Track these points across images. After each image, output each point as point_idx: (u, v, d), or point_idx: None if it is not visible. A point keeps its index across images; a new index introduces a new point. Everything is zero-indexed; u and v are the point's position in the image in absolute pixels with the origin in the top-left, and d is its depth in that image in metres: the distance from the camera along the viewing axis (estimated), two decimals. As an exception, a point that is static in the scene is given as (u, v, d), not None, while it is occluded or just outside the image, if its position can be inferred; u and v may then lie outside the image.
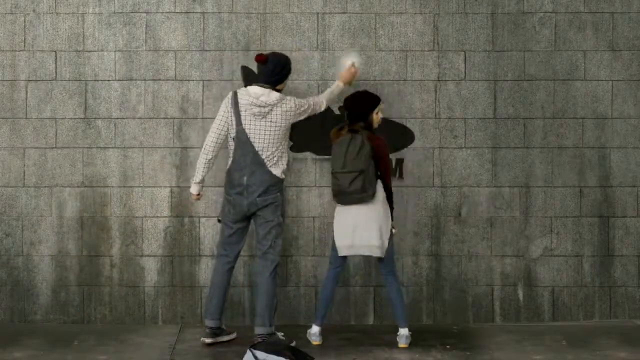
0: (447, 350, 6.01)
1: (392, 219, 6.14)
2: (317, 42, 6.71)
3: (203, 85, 6.69)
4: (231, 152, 6.07)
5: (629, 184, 6.78)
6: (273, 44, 6.68)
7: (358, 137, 6.02)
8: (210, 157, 6.09)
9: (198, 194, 6.24)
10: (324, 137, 6.60)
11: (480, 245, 6.75)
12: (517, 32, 6.74)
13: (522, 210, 6.76)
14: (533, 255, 6.77)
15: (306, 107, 6.16)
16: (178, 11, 6.69)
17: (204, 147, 6.10)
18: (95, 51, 6.68)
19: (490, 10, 6.73)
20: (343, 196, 6.03)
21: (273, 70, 6.05)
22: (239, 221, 6.11)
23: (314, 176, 6.71)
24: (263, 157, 5.99)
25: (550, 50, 6.75)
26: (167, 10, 6.68)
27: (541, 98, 6.75)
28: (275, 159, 6.01)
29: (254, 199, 6.00)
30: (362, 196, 5.99)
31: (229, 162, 6.08)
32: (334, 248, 6.19)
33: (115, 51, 6.68)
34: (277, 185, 6.04)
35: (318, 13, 6.71)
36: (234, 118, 6.01)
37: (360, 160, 5.98)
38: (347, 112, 6.19)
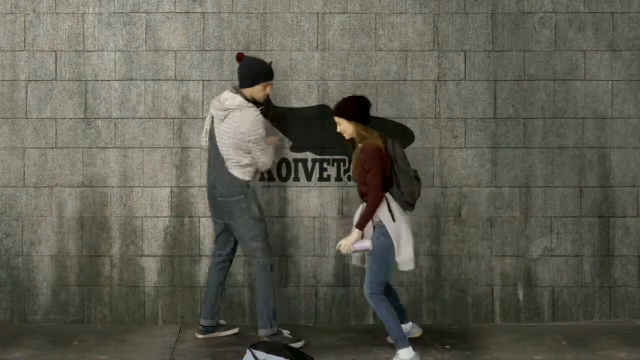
0: (447, 350, 6.02)
1: None
2: (317, 42, 6.71)
3: (203, 85, 6.69)
4: None
5: (629, 184, 6.78)
6: (273, 44, 6.68)
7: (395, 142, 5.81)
8: None
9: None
10: (324, 137, 6.61)
11: (480, 245, 6.75)
12: (517, 32, 6.74)
13: (522, 210, 6.76)
14: (533, 255, 6.77)
15: (259, 148, 5.96)
16: (178, 11, 6.69)
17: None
18: (95, 51, 6.68)
19: (490, 10, 6.73)
20: (414, 203, 5.75)
21: (249, 71, 6.00)
22: (220, 218, 6.17)
23: (314, 176, 6.71)
24: (224, 157, 6.02)
25: (550, 50, 6.74)
26: (167, 10, 6.68)
27: (541, 98, 6.75)
28: (234, 161, 5.99)
29: (217, 198, 6.08)
30: None
31: None
32: (387, 268, 5.68)
33: (115, 51, 6.68)
34: (239, 187, 6.01)
35: (318, 13, 6.71)
36: (209, 120, 6.18)
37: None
38: (365, 119, 5.74)
